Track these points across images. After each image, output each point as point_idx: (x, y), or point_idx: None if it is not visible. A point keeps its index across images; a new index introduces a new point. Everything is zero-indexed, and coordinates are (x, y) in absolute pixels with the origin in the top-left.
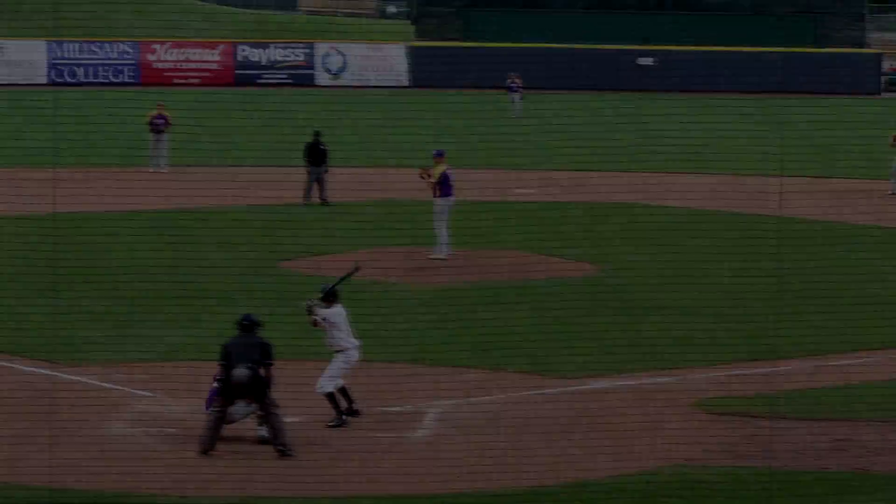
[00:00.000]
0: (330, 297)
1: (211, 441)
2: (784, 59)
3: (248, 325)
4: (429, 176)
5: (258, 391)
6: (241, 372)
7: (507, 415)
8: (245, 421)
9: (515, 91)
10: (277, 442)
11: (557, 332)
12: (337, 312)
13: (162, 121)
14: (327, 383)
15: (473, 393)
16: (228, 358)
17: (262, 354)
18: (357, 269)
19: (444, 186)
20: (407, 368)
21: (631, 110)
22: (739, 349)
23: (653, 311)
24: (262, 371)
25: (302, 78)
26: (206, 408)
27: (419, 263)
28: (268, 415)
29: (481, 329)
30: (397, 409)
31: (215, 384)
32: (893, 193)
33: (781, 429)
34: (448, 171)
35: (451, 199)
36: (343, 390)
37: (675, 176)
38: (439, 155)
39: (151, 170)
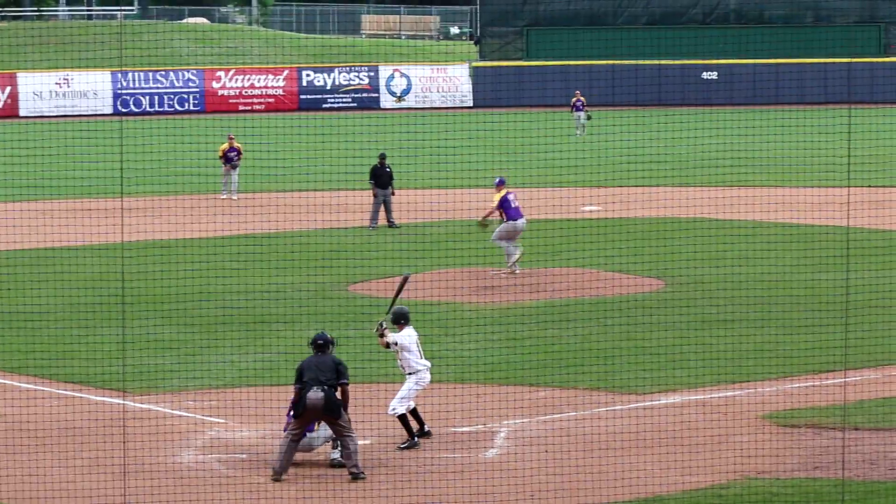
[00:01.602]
0: (400, 320)
1: (284, 465)
2: (848, 70)
3: (323, 345)
4: (483, 222)
5: (333, 412)
6: (315, 394)
7: (578, 432)
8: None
9: (581, 110)
10: (350, 464)
11: (627, 347)
12: (407, 335)
13: (234, 153)
14: (399, 405)
15: (544, 411)
16: (302, 379)
17: (338, 374)
18: (406, 279)
19: (506, 211)
20: (477, 388)
21: (695, 125)
22: (809, 361)
23: (721, 325)
24: (337, 392)
25: (366, 101)
26: (285, 431)
27: (487, 283)
28: (341, 437)
29: (551, 347)
30: (468, 428)
31: (292, 412)
32: None
33: (853, 439)
34: (508, 195)
35: (519, 221)
36: (414, 412)
37: (740, 189)
38: (500, 183)
39: (223, 196)
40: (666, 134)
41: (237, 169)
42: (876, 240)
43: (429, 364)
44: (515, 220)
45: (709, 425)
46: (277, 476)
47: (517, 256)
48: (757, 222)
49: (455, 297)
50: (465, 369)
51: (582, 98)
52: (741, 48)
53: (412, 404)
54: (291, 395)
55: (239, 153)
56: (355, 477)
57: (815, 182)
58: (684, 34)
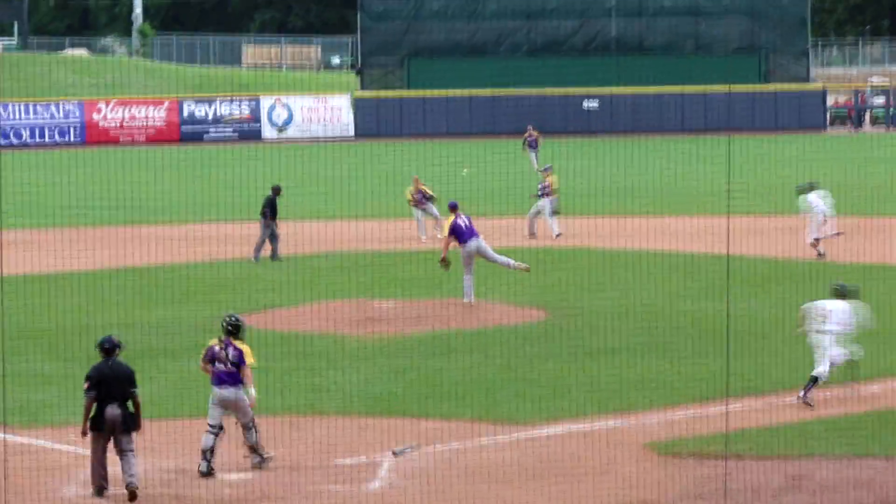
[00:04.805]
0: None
1: (98, 480)
2: (729, 98)
3: (109, 349)
4: (443, 261)
5: (129, 427)
6: (114, 410)
7: (463, 463)
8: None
9: (535, 147)
10: (128, 476)
11: (510, 378)
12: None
13: (420, 195)
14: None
15: (428, 442)
16: (99, 389)
17: (129, 383)
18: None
19: (458, 235)
20: (360, 420)
21: (576, 154)
22: (691, 389)
23: (604, 355)
24: (130, 404)
25: (248, 132)
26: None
27: (370, 314)
28: (123, 452)
29: (434, 378)
30: (351, 461)
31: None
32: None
33: (736, 468)
34: (458, 220)
35: (469, 245)
36: None
37: (622, 219)
38: (453, 207)
39: (423, 238)
40: (547, 162)
41: (428, 205)
42: (756, 268)
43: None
44: (466, 244)
45: (592, 455)
46: (99, 493)
47: (515, 265)
48: (638, 251)
49: (338, 328)
50: (348, 401)
51: (535, 133)
52: (622, 76)
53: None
54: (91, 406)
55: (425, 195)
56: (133, 495)
57: (695, 210)
58: (565, 63)
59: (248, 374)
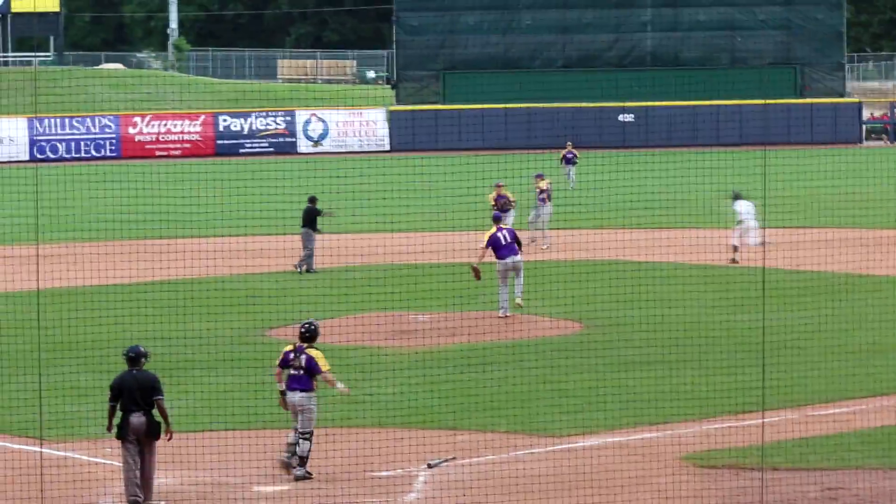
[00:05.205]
0: None
1: (132, 491)
2: (764, 111)
3: (134, 358)
4: (474, 270)
5: (154, 435)
6: (138, 419)
7: (498, 475)
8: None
9: (572, 162)
10: (146, 495)
11: (546, 390)
12: None
13: (503, 200)
14: None
15: (464, 454)
16: (122, 398)
17: (153, 391)
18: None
19: (495, 248)
20: (396, 432)
21: (611, 167)
22: (727, 402)
23: (640, 367)
24: (155, 412)
25: (284, 146)
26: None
27: (405, 327)
28: (148, 461)
29: (470, 390)
30: (387, 473)
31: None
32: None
33: (772, 480)
34: (497, 234)
35: (506, 260)
36: None
37: (657, 231)
38: (496, 219)
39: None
40: (582, 176)
41: (509, 213)
42: (791, 280)
43: None
44: (503, 259)
45: (628, 467)
46: (131, 500)
47: (518, 299)
48: (674, 264)
49: (374, 341)
50: (384, 413)
51: (574, 150)
52: (657, 90)
53: None
54: (113, 414)
55: (508, 199)
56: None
57: (731, 223)
58: (600, 77)
59: (328, 377)
